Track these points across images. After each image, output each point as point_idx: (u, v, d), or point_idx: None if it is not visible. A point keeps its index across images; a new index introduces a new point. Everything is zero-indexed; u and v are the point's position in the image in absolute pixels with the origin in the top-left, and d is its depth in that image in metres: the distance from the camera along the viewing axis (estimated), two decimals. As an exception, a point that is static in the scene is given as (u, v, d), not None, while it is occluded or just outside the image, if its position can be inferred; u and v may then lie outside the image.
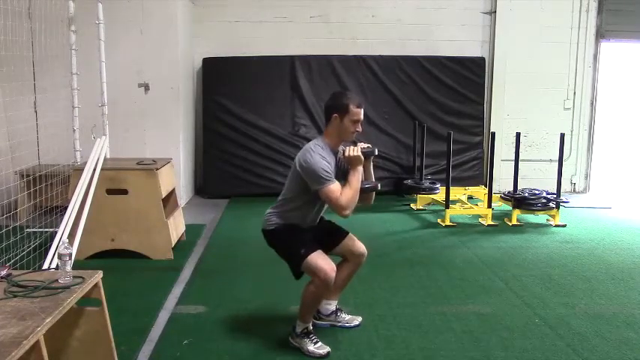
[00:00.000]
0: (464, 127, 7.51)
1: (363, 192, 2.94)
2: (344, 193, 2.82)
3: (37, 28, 4.60)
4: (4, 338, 1.83)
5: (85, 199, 4.27)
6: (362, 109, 2.92)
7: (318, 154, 2.85)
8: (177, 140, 6.50)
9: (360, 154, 2.87)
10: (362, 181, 2.91)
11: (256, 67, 7.18)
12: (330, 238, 3.13)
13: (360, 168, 2.90)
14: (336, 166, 2.97)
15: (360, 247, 3.17)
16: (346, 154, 2.87)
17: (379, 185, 3.08)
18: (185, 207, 6.42)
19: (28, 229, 4.55)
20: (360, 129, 2.94)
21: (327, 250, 3.02)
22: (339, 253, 3.16)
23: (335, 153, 2.99)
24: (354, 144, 2.93)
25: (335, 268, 2.86)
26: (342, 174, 2.98)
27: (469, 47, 7.60)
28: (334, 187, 2.82)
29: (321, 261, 2.83)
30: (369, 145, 2.97)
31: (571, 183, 7.85)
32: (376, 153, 2.99)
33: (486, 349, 3.03)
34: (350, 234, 3.19)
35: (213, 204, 6.81)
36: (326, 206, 3.04)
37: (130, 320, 3.33)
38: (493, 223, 5.85)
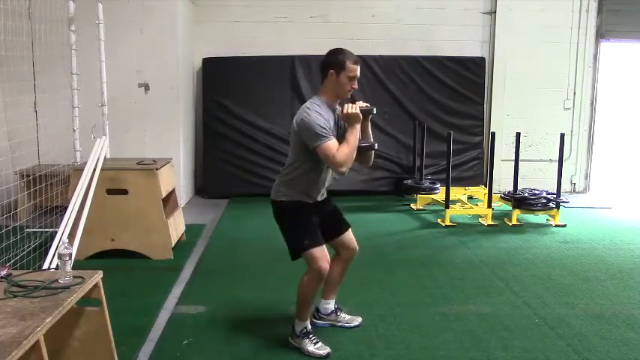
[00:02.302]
0: (464, 127, 7.51)
1: (360, 150, 2.92)
2: (341, 150, 2.79)
3: (37, 28, 4.60)
4: (4, 338, 1.83)
5: (85, 199, 4.27)
6: (358, 66, 2.91)
7: (314, 112, 2.82)
8: (177, 140, 6.50)
9: (358, 111, 2.84)
10: (359, 140, 2.89)
11: (256, 67, 7.18)
12: (333, 227, 3.13)
13: (358, 126, 2.86)
14: (335, 124, 2.94)
15: (354, 242, 3.20)
16: (344, 111, 2.85)
17: (376, 145, 3.06)
18: (185, 207, 6.42)
19: (28, 229, 4.56)
20: (356, 86, 2.92)
21: (328, 239, 3.04)
22: (335, 244, 3.17)
23: (333, 110, 2.96)
24: (353, 102, 2.90)
25: (329, 259, 2.90)
26: (341, 132, 2.94)
27: (469, 47, 7.60)
28: (331, 143, 2.79)
29: (320, 254, 2.86)
30: (368, 104, 2.95)
31: (571, 183, 7.85)
32: (374, 112, 2.96)
33: (486, 349, 3.03)
34: (349, 229, 3.20)
35: (213, 204, 6.81)
36: (330, 175, 3.02)
37: (130, 320, 3.32)
38: (493, 223, 5.85)
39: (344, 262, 3.21)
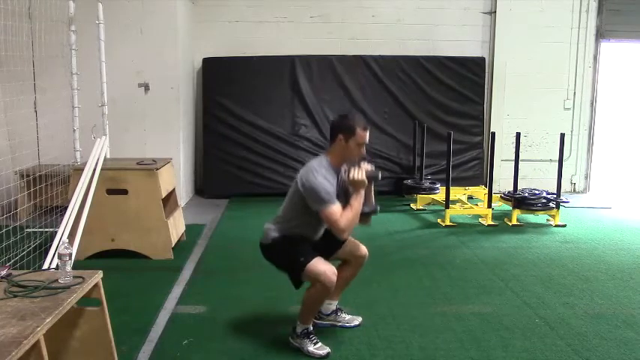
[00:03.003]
0: (464, 127, 7.51)
1: (363, 215, 2.96)
2: (344, 216, 2.82)
3: (37, 28, 4.59)
4: (4, 338, 1.83)
5: (85, 199, 4.27)
6: (367, 133, 2.93)
7: (320, 175, 2.85)
8: (177, 140, 6.50)
9: (364, 178, 2.87)
10: (362, 204, 2.92)
11: (256, 67, 7.18)
12: (329, 245, 3.09)
13: (363, 191, 2.89)
14: (337, 185, 2.97)
15: (362, 248, 3.17)
16: (350, 176, 2.87)
17: (379, 208, 3.10)
18: (185, 207, 6.42)
19: (28, 229, 4.56)
20: (364, 152, 2.95)
21: (327, 257, 3.01)
22: (341, 257, 3.17)
23: (337, 172, 2.99)
24: (359, 164, 2.93)
25: (336, 271, 2.86)
26: (343, 192, 2.98)
27: (469, 47, 7.60)
28: (335, 208, 2.81)
29: (322, 265, 2.83)
30: (373, 167, 2.98)
31: (571, 183, 7.85)
32: (380, 178, 2.99)
33: (486, 349, 3.03)
34: (350, 238, 3.16)
35: (213, 204, 6.82)
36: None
37: (130, 320, 3.32)
38: (493, 223, 5.85)
39: (355, 268, 3.20)
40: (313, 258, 2.86)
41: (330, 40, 7.43)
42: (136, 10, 6.19)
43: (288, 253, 2.94)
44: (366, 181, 2.88)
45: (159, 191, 4.51)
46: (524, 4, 7.47)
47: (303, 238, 3.00)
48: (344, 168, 3.00)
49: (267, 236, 3.03)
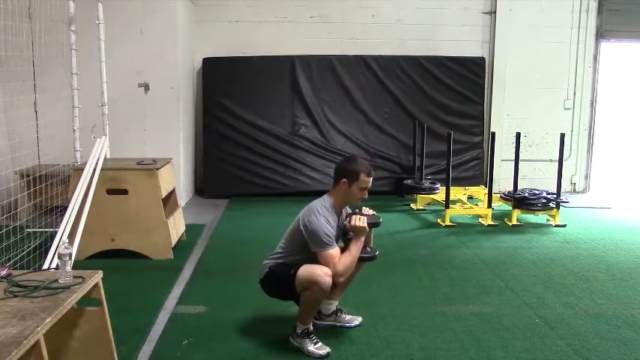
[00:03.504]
0: (464, 127, 7.51)
1: (361, 261, 3.00)
2: (342, 260, 2.85)
3: (37, 28, 4.59)
4: (4, 338, 1.83)
5: (85, 199, 4.27)
6: (371, 178, 2.98)
7: (322, 217, 2.88)
8: (177, 140, 6.50)
9: (365, 225, 2.90)
10: (361, 249, 2.95)
11: (256, 67, 7.18)
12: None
13: (363, 238, 2.94)
14: (337, 226, 2.99)
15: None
16: (352, 223, 2.90)
17: (377, 253, 3.13)
18: (185, 207, 6.42)
19: (28, 229, 4.56)
20: (366, 195, 2.99)
21: None
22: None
23: (338, 214, 3.03)
24: (361, 209, 3.00)
25: (329, 272, 2.83)
26: (342, 233, 3.02)
27: (469, 47, 7.60)
28: (334, 252, 2.85)
29: (311, 268, 2.84)
30: (374, 213, 3.03)
31: (571, 183, 7.85)
32: (380, 224, 3.05)
33: (486, 349, 3.03)
34: None
35: (213, 204, 6.81)
36: None
37: (130, 320, 3.33)
38: (493, 223, 5.85)
39: (355, 268, 3.19)
40: (300, 265, 2.88)
41: (330, 40, 7.43)
42: (136, 10, 6.19)
43: (282, 273, 2.96)
44: (367, 228, 2.93)
45: (159, 191, 4.51)
46: (524, 4, 7.48)
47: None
48: (345, 212, 3.05)
49: (265, 272, 3.05)
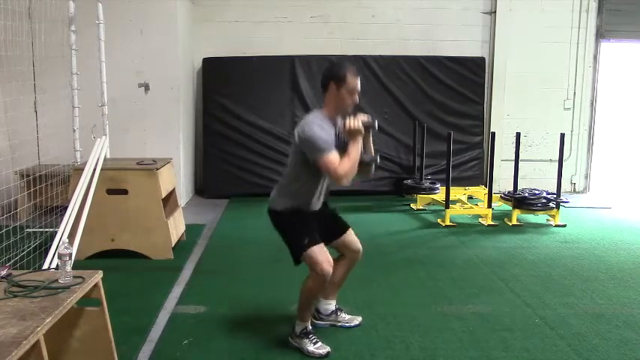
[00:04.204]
0: (464, 127, 7.51)
1: (362, 164, 2.91)
2: (342, 163, 2.79)
3: (37, 28, 4.60)
4: (4, 338, 1.83)
5: (85, 199, 4.27)
6: (358, 79, 2.90)
7: (316, 125, 2.83)
8: (177, 140, 6.50)
9: (360, 126, 2.84)
10: (361, 153, 2.88)
11: (256, 67, 7.18)
12: (333, 230, 3.13)
13: (360, 139, 2.86)
14: (335, 136, 2.93)
15: (357, 243, 3.19)
16: (346, 125, 2.84)
17: (378, 158, 3.07)
18: (185, 207, 6.42)
19: (28, 229, 4.55)
20: (357, 100, 2.92)
21: (328, 242, 3.03)
22: (337, 246, 3.17)
23: (334, 124, 2.96)
24: (355, 115, 2.90)
25: (332, 262, 2.87)
26: (342, 145, 2.93)
27: (469, 47, 7.60)
28: (333, 156, 2.79)
29: (321, 255, 2.85)
30: (369, 116, 2.95)
31: (571, 183, 7.85)
32: (376, 127, 2.95)
33: (486, 349, 3.03)
34: (350, 229, 3.20)
35: (213, 204, 6.81)
36: (327, 184, 3.03)
37: (130, 320, 3.32)
38: (493, 223, 5.85)
39: (348, 264, 3.20)
40: (316, 244, 2.87)
41: (330, 40, 7.43)
42: (136, 10, 6.19)
43: (294, 231, 2.94)
44: (363, 130, 2.85)
45: (159, 191, 4.51)
46: (524, 4, 7.48)
47: (309, 199, 2.98)
48: (340, 120, 2.96)
49: (275, 202, 3.02)
